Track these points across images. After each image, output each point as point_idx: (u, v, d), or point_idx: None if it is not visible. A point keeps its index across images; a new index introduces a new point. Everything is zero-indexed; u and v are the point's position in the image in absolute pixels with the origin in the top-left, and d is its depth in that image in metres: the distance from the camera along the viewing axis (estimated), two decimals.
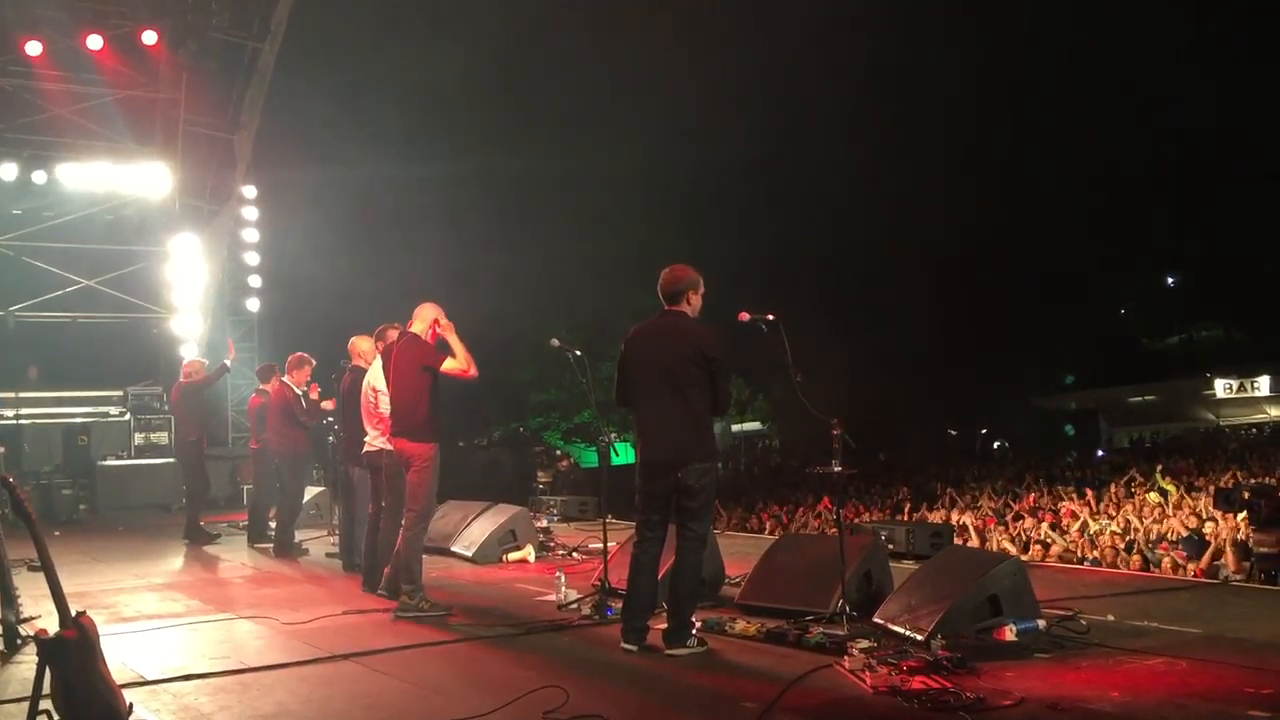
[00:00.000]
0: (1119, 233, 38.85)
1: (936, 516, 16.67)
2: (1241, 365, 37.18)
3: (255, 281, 20.75)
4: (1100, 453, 30.24)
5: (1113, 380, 38.96)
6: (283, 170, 22.73)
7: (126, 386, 18.44)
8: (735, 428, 44.48)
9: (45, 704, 4.18)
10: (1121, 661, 5.53)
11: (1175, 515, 14.01)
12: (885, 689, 5.00)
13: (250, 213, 20.47)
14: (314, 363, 11.36)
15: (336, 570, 9.81)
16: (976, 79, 36.50)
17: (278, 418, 11.33)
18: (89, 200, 18.65)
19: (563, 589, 7.56)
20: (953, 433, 42.31)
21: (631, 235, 34.97)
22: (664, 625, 6.13)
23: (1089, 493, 17.07)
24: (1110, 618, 6.52)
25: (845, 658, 5.48)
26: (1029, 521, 15.32)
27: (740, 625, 6.44)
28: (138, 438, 17.81)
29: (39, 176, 17.53)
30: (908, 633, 5.88)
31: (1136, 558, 12.13)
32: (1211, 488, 15.37)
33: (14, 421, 17.51)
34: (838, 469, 6.45)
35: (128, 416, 18.20)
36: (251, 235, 20.53)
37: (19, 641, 6.37)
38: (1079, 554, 12.87)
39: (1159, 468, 18.01)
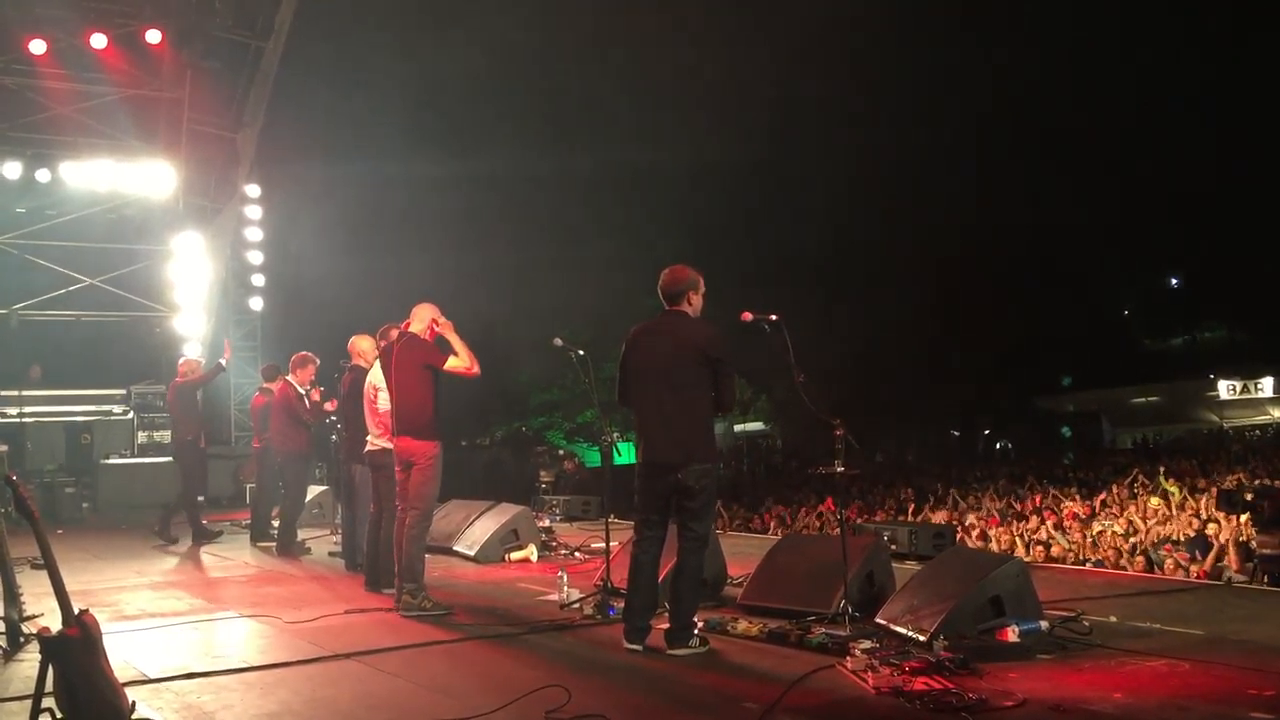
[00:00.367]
0: (1122, 233, 38.83)
1: (939, 517, 16.66)
2: (1245, 366, 37.14)
3: (258, 280, 20.79)
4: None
5: (1115, 381, 38.90)
6: (286, 169, 22.79)
7: (129, 385, 18.46)
8: (738, 428, 44.50)
9: (48, 702, 4.18)
10: (1124, 663, 5.53)
11: (1179, 516, 14.00)
12: (887, 690, 5.00)
13: (253, 211, 20.51)
14: (317, 362, 11.37)
15: (339, 569, 9.82)
16: (978, 79, 36.52)
17: (281, 417, 11.34)
18: (92, 199, 18.66)
19: (565, 588, 7.57)
20: (955, 433, 42.31)
21: (635, 235, 35.01)
22: (664, 625, 6.13)
23: (1092, 494, 17.06)
24: (1113, 619, 6.51)
25: (847, 658, 5.47)
26: (1032, 522, 15.31)
27: (742, 625, 6.44)
28: (140, 436, 17.83)
29: (42, 175, 17.55)
30: (910, 633, 5.88)
31: (1139, 559, 12.12)
32: (1214, 489, 15.36)
33: (17, 420, 17.52)
34: (840, 469, 6.44)
35: (130, 415, 18.23)
36: (255, 234, 20.57)
37: (22, 640, 6.37)
38: (1082, 555, 12.86)
39: (1162, 469, 17.99)
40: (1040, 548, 13.37)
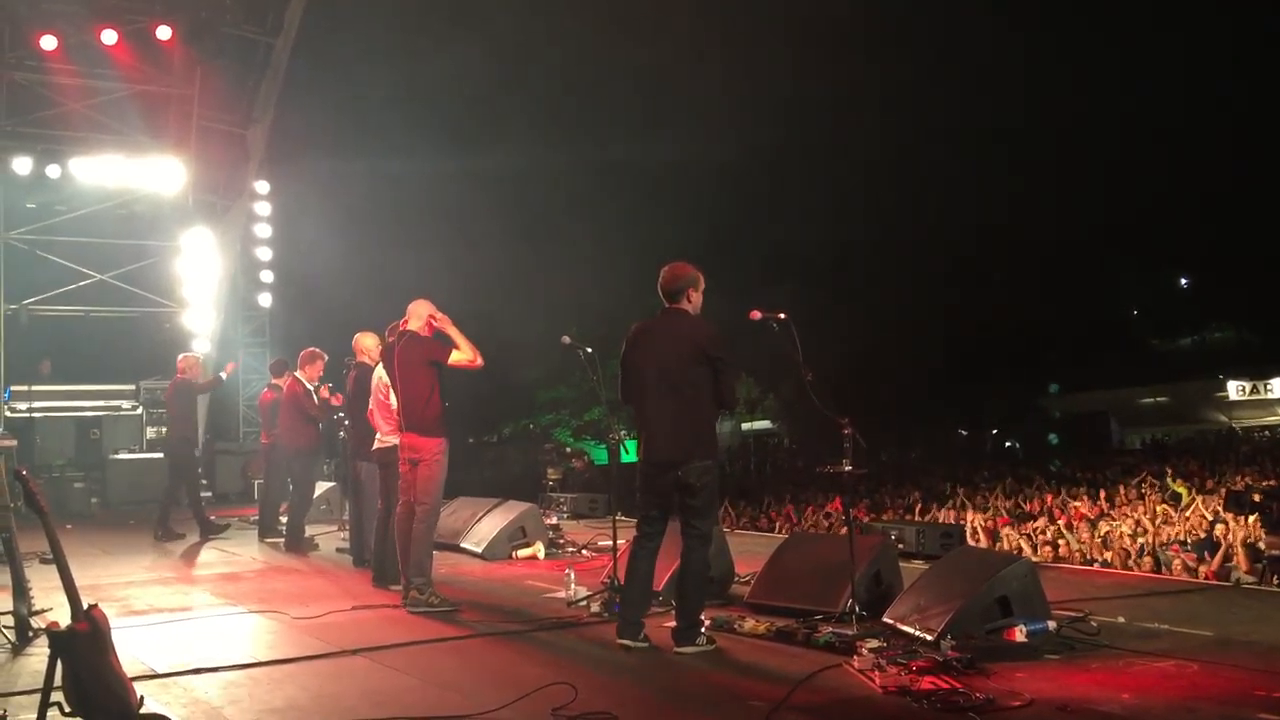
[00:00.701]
0: (1131, 233, 38.73)
1: (947, 516, 16.65)
2: (1254, 367, 36.99)
3: (267, 277, 20.83)
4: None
5: (1124, 381, 38.79)
6: (296, 166, 22.81)
7: (138, 381, 18.51)
8: (745, 426, 44.47)
9: (56, 696, 4.19)
10: (1132, 663, 5.51)
11: (1187, 517, 13.97)
12: (894, 689, 4.99)
13: (263, 208, 20.55)
14: (325, 358, 11.38)
15: (347, 565, 9.84)
16: (986, 78, 36.44)
17: (289, 413, 11.36)
18: (102, 195, 18.68)
19: (572, 586, 7.57)
20: (963, 433, 42.25)
21: (643, 233, 34.98)
22: (671, 623, 6.13)
23: (1100, 494, 17.03)
24: (1121, 619, 6.49)
25: (854, 657, 5.47)
26: (1040, 522, 15.29)
27: (749, 624, 6.44)
28: (149, 432, 17.90)
29: (53, 171, 17.57)
30: (917, 633, 5.87)
31: (1148, 559, 12.10)
32: (1223, 490, 15.33)
33: (27, 415, 17.58)
34: (848, 468, 6.44)
35: (140, 410, 18.28)
36: (264, 231, 20.61)
37: (31, 634, 6.40)
38: (1090, 555, 12.84)
39: (1169, 471, 17.96)
40: (1048, 548, 13.36)
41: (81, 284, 19.09)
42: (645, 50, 34.19)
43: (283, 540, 11.36)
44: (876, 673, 5.18)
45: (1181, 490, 16.24)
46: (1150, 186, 37.53)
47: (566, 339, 7.70)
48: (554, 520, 11.93)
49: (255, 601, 7.93)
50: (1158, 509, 15.10)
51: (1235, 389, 36.85)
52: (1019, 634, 5.79)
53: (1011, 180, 37.29)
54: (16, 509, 6.96)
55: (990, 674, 5.23)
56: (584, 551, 10.32)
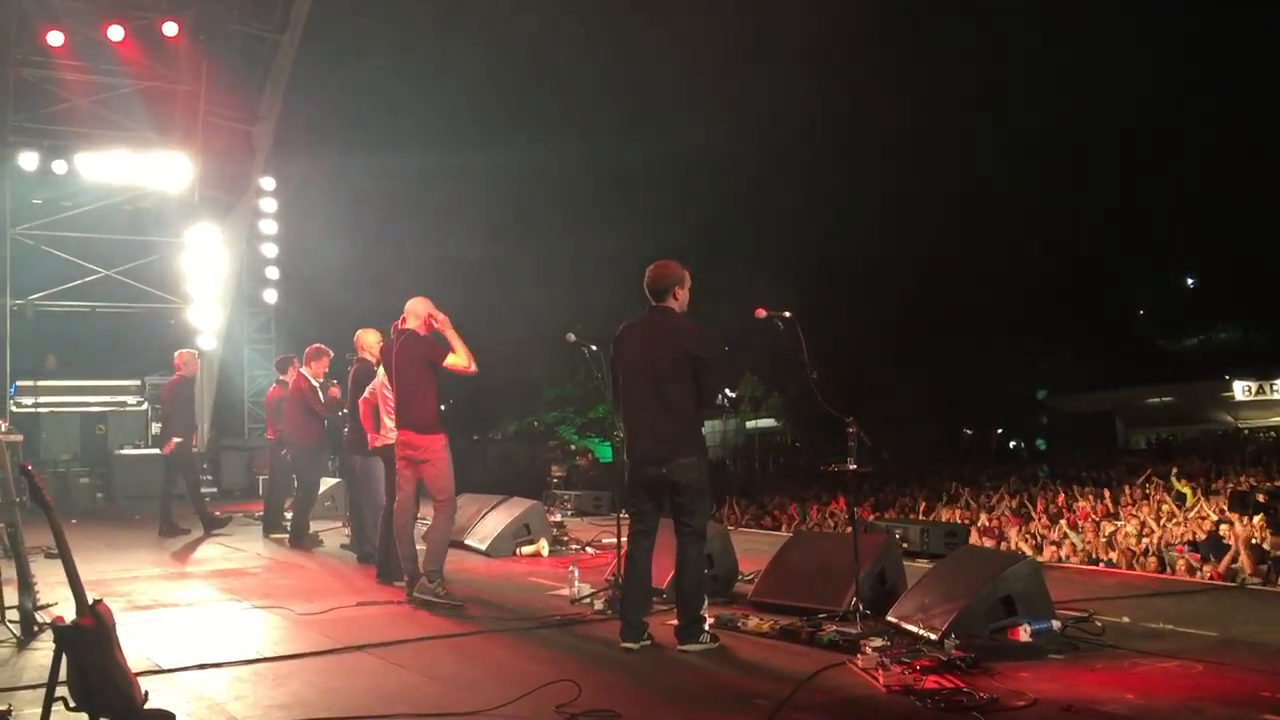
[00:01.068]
0: (1137, 233, 38.64)
1: (951, 516, 16.64)
2: (1260, 367, 36.89)
3: (273, 273, 20.85)
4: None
5: (1129, 381, 38.72)
6: (302, 162, 22.82)
7: (144, 376, 18.53)
8: (749, 424, 44.48)
9: (61, 691, 4.19)
10: (1136, 664, 5.51)
11: (1192, 517, 13.94)
12: (898, 688, 4.99)
13: (269, 204, 20.57)
14: (331, 354, 11.39)
15: (351, 561, 9.86)
16: (993, 76, 36.36)
17: (295, 409, 11.37)
18: (108, 191, 18.73)
19: (576, 583, 7.57)
20: (968, 432, 42.22)
21: (648, 230, 34.97)
22: (674, 621, 6.13)
23: (1105, 494, 17.00)
24: (1125, 619, 6.49)
25: (858, 656, 5.46)
26: (1044, 521, 15.28)
27: (753, 622, 6.44)
28: (155, 427, 17.89)
29: (59, 166, 17.61)
30: (921, 632, 5.87)
31: (1153, 560, 12.09)
32: (1229, 489, 15.30)
33: (32, 410, 17.61)
34: (852, 467, 6.43)
35: (145, 406, 18.30)
36: (270, 227, 20.63)
37: (36, 629, 6.41)
38: (1095, 555, 12.83)
39: (1174, 470, 17.92)
40: (1052, 547, 13.35)
41: (87, 279, 19.12)
42: (652, 47, 34.22)
43: (287, 536, 11.38)
44: (880, 672, 5.18)
45: (1186, 491, 16.20)
46: (1156, 186, 37.45)
47: (571, 336, 7.71)
48: (558, 517, 11.95)
49: (260, 597, 7.94)
50: (1163, 508, 15.09)
51: (1241, 389, 36.71)
52: (1023, 634, 5.78)
53: (1016, 179, 37.22)
54: (22, 504, 6.98)
55: (994, 673, 5.22)
56: (588, 549, 10.32)
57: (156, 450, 17.18)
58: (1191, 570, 11.38)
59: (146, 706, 4.32)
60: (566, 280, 34.07)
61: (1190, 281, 45.43)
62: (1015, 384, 38.45)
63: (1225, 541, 11.78)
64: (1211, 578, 10.70)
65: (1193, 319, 44.42)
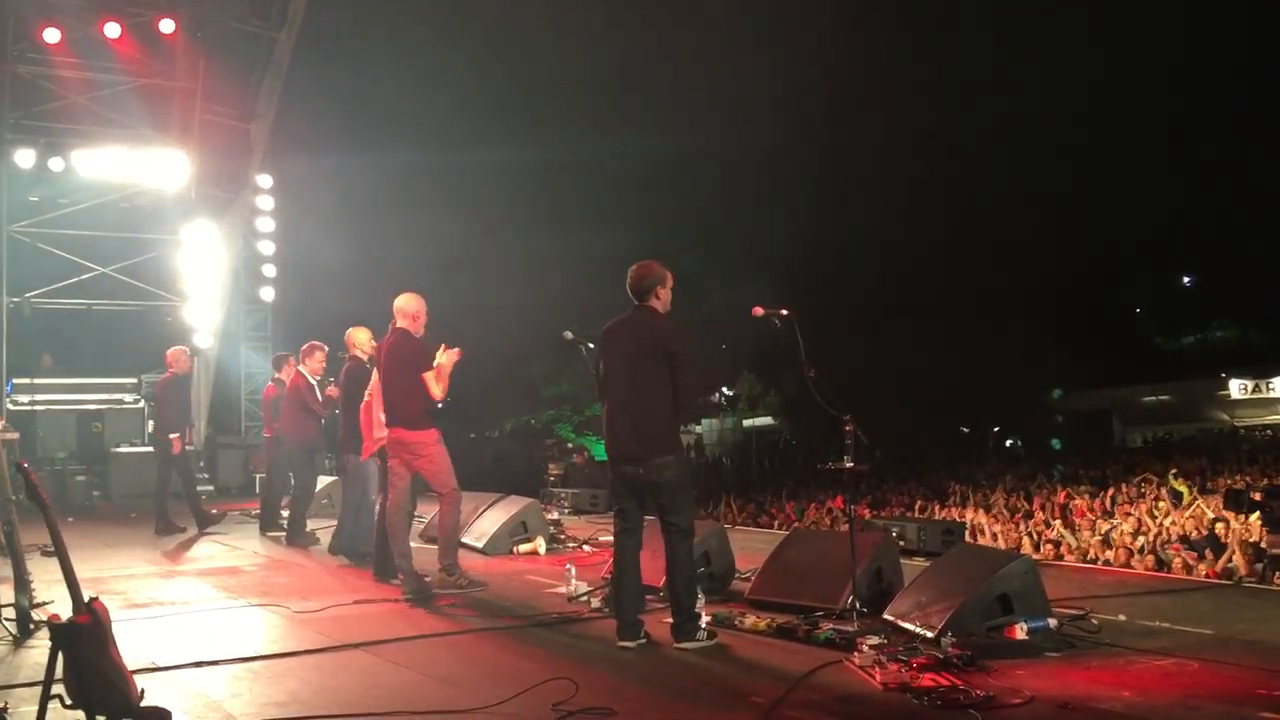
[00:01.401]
0: (1134, 231, 38.67)
1: (948, 514, 16.64)
2: (1257, 366, 36.94)
3: (270, 270, 20.83)
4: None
5: (1127, 380, 38.76)
6: (298, 160, 22.79)
7: (141, 374, 18.51)
8: (746, 423, 44.46)
9: (57, 689, 4.19)
10: (1133, 661, 5.52)
11: (1188, 515, 13.95)
12: (895, 686, 5.00)
13: (265, 202, 20.55)
14: (326, 349, 11.37)
15: (346, 559, 9.84)
16: (992, 76, 36.37)
17: (291, 407, 11.36)
18: (105, 188, 18.69)
19: (573, 581, 7.58)
20: (964, 430, 42.21)
21: (647, 229, 34.96)
22: (670, 620, 6.13)
23: (1101, 492, 17.01)
24: (1122, 617, 6.50)
25: (855, 654, 5.47)
26: (1040, 519, 15.28)
27: (750, 620, 6.44)
28: (151, 425, 17.86)
29: (55, 164, 17.57)
30: (918, 630, 5.87)
31: (1149, 558, 12.09)
32: (1225, 487, 15.31)
33: (29, 408, 17.58)
34: (849, 465, 6.44)
35: (141, 404, 18.29)
36: (266, 224, 20.61)
37: (32, 626, 6.40)
38: (1091, 553, 12.83)
39: (1173, 470, 17.93)
40: (1049, 545, 13.36)
41: (84, 277, 19.07)
42: (649, 45, 34.21)
43: (284, 534, 11.37)
44: (877, 669, 5.19)
45: (1183, 489, 16.21)
46: (1154, 185, 37.47)
47: (568, 334, 7.71)
48: (555, 515, 11.94)
49: (257, 595, 7.94)
50: (1159, 505, 15.10)
51: (1238, 387, 36.76)
52: (1019, 631, 5.79)
53: (1015, 178, 37.24)
54: (18, 502, 6.97)
55: (991, 671, 5.23)
56: (585, 547, 10.32)
57: (153, 448, 17.26)
58: (1188, 568, 11.38)
59: (142, 704, 4.31)
60: (564, 278, 34.04)
61: (1187, 280, 45.46)
62: (1013, 382, 38.42)
63: (1222, 540, 11.79)
64: (1208, 576, 10.71)
65: (1190, 318, 44.46)
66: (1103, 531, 13.83)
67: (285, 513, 11.75)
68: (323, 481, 13.23)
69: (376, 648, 6.08)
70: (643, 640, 6.04)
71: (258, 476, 16.51)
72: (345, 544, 9.80)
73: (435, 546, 8.12)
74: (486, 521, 10.39)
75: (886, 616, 6.23)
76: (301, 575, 9.08)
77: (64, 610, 4.38)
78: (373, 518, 9.34)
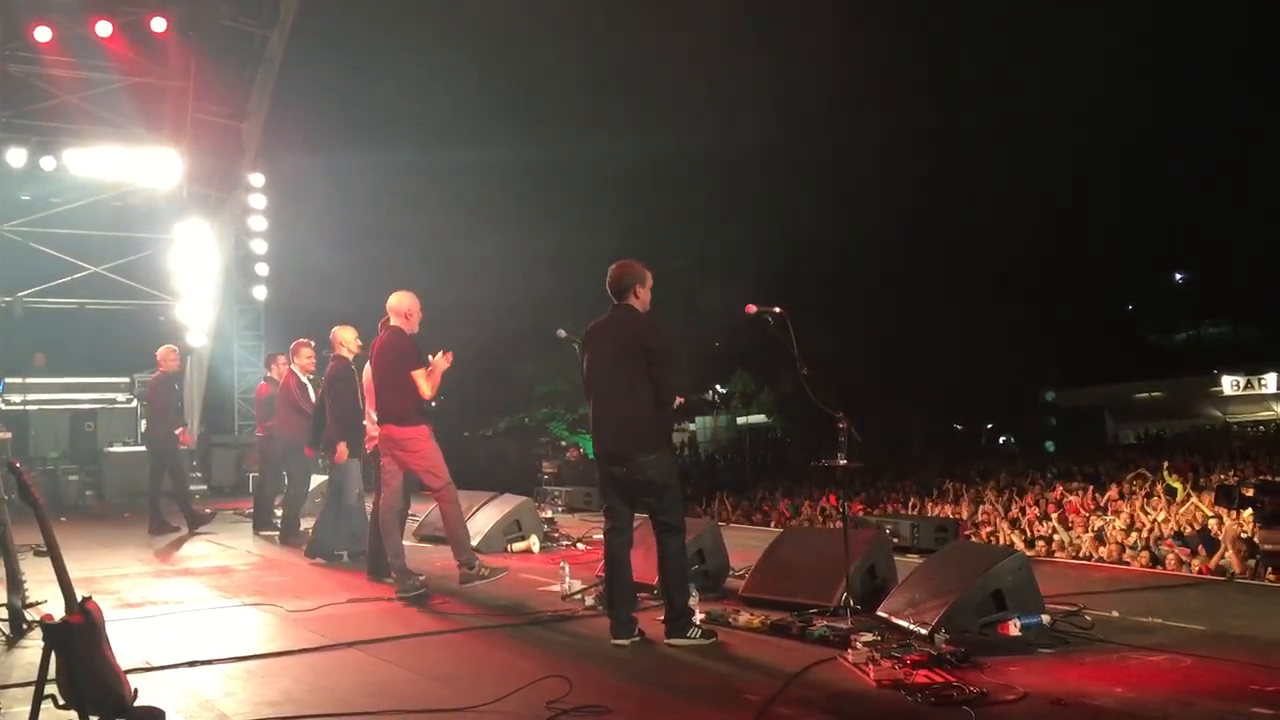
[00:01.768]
0: (1127, 229, 38.75)
1: (942, 511, 16.66)
2: (1249, 362, 37.05)
3: (262, 269, 20.78)
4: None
5: (1119, 377, 38.85)
6: (291, 158, 22.74)
7: (133, 374, 18.45)
8: (740, 421, 44.48)
9: (51, 689, 4.19)
10: (1126, 657, 5.53)
11: (1182, 511, 13.99)
12: (888, 682, 5.00)
13: (258, 200, 20.48)
14: (313, 344, 11.35)
15: (339, 558, 9.82)
16: (988, 75, 36.40)
17: (284, 406, 11.35)
18: (97, 187, 18.64)
19: (567, 579, 7.58)
20: (958, 427, 42.28)
21: (641, 227, 34.96)
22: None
23: (1095, 488, 17.04)
24: (1115, 613, 6.51)
25: (849, 651, 5.48)
26: (1033, 515, 15.31)
27: (744, 618, 6.45)
28: (144, 425, 17.84)
29: (47, 163, 17.53)
30: (912, 626, 5.88)
31: (1143, 554, 12.11)
32: (1217, 483, 15.34)
33: (21, 408, 17.54)
34: (843, 462, 6.44)
35: (134, 404, 18.24)
36: (259, 223, 20.55)
37: (25, 626, 6.39)
38: (1084, 550, 12.86)
39: (1165, 465, 17.97)
40: (1042, 542, 13.38)
41: (76, 276, 19.04)
42: (643, 43, 34.18)
43: (277, 533, 11.36)
44: (871, 666, 5.20)
45: (1177, 485, 16.25)
46: (1146, 182, 37.56)
47: (562, 332, 7.73)
48: (549, 514, 11.92)
49: (250, 594, 7.93)
50: (1150, 502, 15.13)
51: (1230, 384, 36.89)
52: (1013, 628, 5.80)
53: (1007, 176, 37.28)
54: (11, 501, 6.95)
55: (984, 668, 5.24)
56: (579, 545, 10.32)
57: (146, 447, 17.23)
58: (1181, 564, 11.41)
59: (136, 704, 4.31)
60: (557, 276, 34.00)
61: (1180, 277, 45.57)
62: (1007, 380, 38.50)
63: (1215, 536, 11.82)
64: (1201, 572, 10.73)
65: (1182, 314, 44.56)
66: (1096, 528, 13.86)
67: (279, 512, 11.73)
68: (316, 480, 13.20)
69: (370, 646, 6.08)
70: (636, 638, 6.05)
71: (251, 475, 16.47)
72: (321, 546, 9.73)
73: (429, 545, 8.13)
74: (480, 520, 10.37)
75: (880, 613, 6.24)
76: (295, 574, 9.07)
77: (57, 610, 4.38)
78: (351, 520, 9.39)
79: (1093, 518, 14.69)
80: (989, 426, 42.18)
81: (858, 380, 29.19)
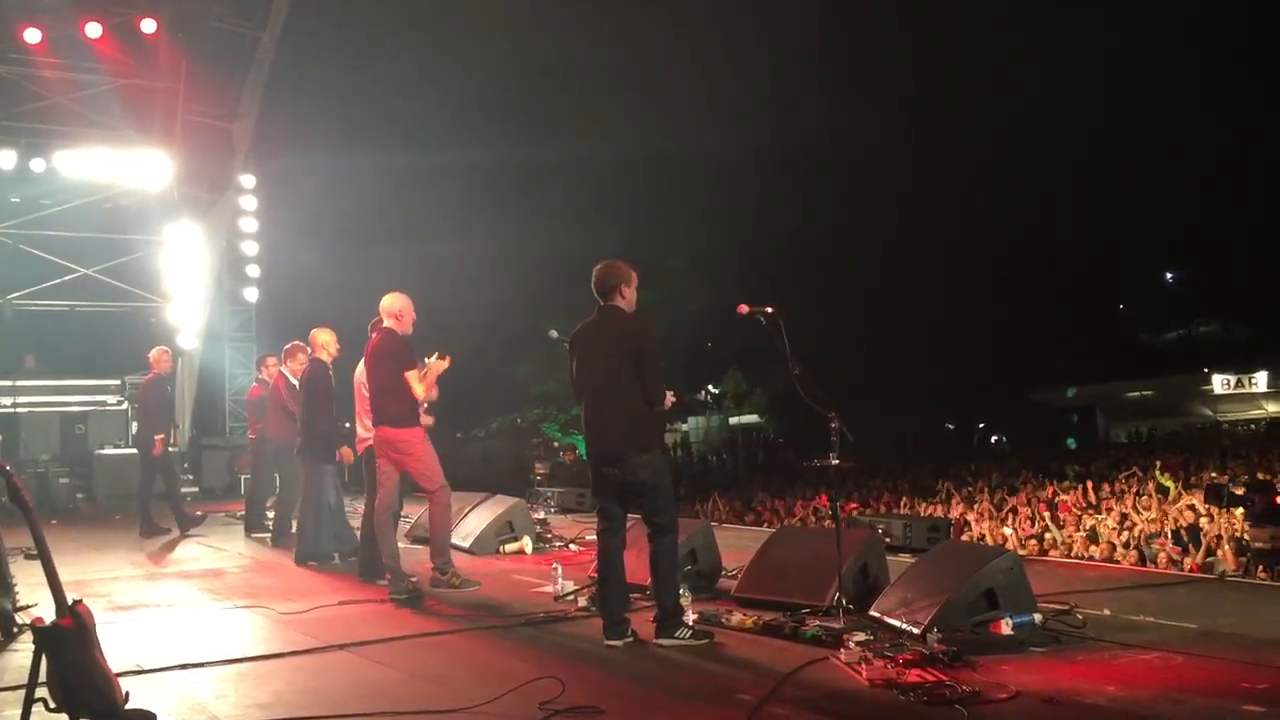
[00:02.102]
0: (1118, 228, 38.85)
1: (934, 510, 16.70)
2: (1239, 361, 37.18)
3: (253, 271, 20.73)
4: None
5: (1111, 376, 38.95)
6: (282, 160, 22.69)
7: (124, 376, 18.41)
8: (733, 421, 44.52)
9: (41, 692, 4.17)
10: (1118, 656, 5.54)
11: (1173, 510, 14.03)
12: (881, 682, 5.00)
13: (249, 202, 20.43)
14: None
15: (333, 560, 9.81)
16: (981, 75, 36.48)
17: (275, 408, 11.33)
18: (87, 188, 18.59)
19: (559, 580, 7.57)
20: (950, 427, 42.35)
21: (633, 227, 34.95)
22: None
23: (1086, 486, 17.08)
24: (1106, 612, 6.52)
25: (841, 651, 5.48)
26: (1025, 514, 15.34)
27: (737, 618, 6.44)
28: (135, 427, 17.78)
29: (37, 165, 17.47)
30: (904, 626, 5.88)
31: (1134, 552, 12.15)
32: (1207, 481, 15.39)
33: (11, 410, 17.49)
34: (835, 462, 6.45)
35: (125, 406, 18.19)
36: (250, 225, 20.50)
37: (15, 630, 6.37)
38: (1076, 548, 12.89)
39: (1158, 464, 18.03)
40: (1034, 541, 13.42)
41: (66, 278, 18.99)
42: (638, 41, 34.21)
43: (269, 535, 11.34)
44: (863, 666, 5.20)
45: (1169, 484, 16.31)
46: (1137, 182, 37.66)
47: (554, 333, 7.75)
48: (541, 514, 11.92)
49: (242, 596, 7.92)
50: (1141, 500, 15.19)
51: (1220, 382, 37.01)
52: (1005, 627, 5.80)
53: (998, 175, 37.37)
54: (1, 504, 6.94)
55: (976, 667, 5.24)
56: (571, 546, 10.30)
57: (137, 450, 17.18)
58: (1173, 563, 11.45)
59: (127, 707, 4.29)
60: (549, 277, 33.98)
61: (1170, 276, 45.71)
62: (1000, 379, 38.57)
63: (1214, 538, 11.85)
64: (1192, 570, 10.77)
65: (1173, 314, 44.70)
66: (1088, 527, 13.90)
67: (270, 514, 11.71)
68: None
69: (362, 648, 6.07)
70: (630, 639, 6.04)
71: (243, 478, 16.43)
72: (309, 549, 9.70)
73: (420, 547, 8.12)
74: (473, 521, 10.36)
75: (873, 613, 6.24)
76: (287, 576, 9.04)
77: (48, 613, 4.36)
78: (334, 522, 9.40)
79: (1085, 516, 14.74)
80: (980, 426, 42.26)
81: (857, 380, 29.24)
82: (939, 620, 5.71)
